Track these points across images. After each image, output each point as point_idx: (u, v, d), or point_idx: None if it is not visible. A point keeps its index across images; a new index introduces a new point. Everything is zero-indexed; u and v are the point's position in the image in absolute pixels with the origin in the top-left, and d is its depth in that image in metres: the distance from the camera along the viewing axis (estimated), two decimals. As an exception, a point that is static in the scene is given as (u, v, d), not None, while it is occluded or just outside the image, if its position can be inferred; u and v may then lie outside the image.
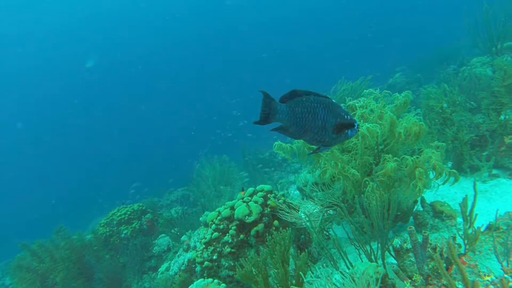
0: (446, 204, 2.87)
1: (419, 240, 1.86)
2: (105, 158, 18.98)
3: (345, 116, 1.19)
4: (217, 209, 2.98)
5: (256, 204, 2.65)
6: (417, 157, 2.34)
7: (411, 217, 2.91)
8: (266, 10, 28.45)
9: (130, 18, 27.29)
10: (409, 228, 1.80)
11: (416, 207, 2.91)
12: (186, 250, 3.67)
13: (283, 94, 1.19)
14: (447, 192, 3.35)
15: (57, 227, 4.14)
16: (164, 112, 22.47)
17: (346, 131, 1.21)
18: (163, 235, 4.76)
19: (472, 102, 4.49)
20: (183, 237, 3.93)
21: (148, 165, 15.40)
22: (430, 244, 1.96)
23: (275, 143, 2.57)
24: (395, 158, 2.40)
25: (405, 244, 2.08)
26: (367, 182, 2.46)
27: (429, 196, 3.44)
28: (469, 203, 2.28)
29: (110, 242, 4.80)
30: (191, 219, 5.00)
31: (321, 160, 2.50)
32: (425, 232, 1.80)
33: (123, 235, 4.84)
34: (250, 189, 3.00)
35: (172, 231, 4.39)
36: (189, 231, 4.28)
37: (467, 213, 2.23)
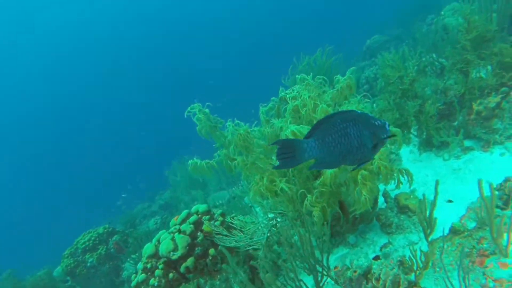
0: (411, 196, 2.45)
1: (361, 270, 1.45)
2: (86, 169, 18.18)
3: (375, 123, 1.10)
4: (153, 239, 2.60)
5: (183, 235, 2.24)
6: (358, 156, 1.88)
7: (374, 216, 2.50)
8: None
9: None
10: (335, 268, 1.39)
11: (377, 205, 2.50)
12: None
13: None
14: (416, 176, 2.91)
15: (7, 271, 3.78)
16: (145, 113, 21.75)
17: (381, 136, 1.11)
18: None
19: (442, 60, 3.97)
20: (139, 265, 3.55)
21: (139, 167, 14.90)
22: (373, 273, 1.55)
23: (190, 162, 2.11)
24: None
25: (348, 272, 1.67)
26: (307, 193, 2.03)
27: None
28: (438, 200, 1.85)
29: (76, 274, 4.47)
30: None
31: (243, 173, 2.06)
32: (355, 271, 1.39)
33: (89, 264, 4.50)
34: (184, 212, 2.59)
35: (133, 255, 4.03)
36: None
37: (426, 218, 1.80)
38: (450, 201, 2.45)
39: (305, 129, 1.82)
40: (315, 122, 2.11)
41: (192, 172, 2.12)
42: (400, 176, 1.95)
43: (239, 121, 1.99)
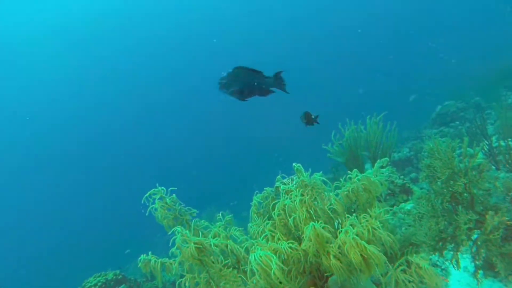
0: None
1: None
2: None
3: None
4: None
5: None
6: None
7: None
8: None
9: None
10: None
11: None
12: None
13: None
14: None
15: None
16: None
17: None
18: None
19: (523, 149, 3.08)
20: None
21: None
22: None
23: (141, 257, 1.69)
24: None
25: None
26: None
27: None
28: None
29: (74, 322, 4.27)
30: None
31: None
32: None
33: (88, 314, 4.28)
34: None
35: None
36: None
37: None
38: None
39: (274, 260, 1.30)
40: (305, 238, 1.57)
41: (142, 267, 1.71)
42: None
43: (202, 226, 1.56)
